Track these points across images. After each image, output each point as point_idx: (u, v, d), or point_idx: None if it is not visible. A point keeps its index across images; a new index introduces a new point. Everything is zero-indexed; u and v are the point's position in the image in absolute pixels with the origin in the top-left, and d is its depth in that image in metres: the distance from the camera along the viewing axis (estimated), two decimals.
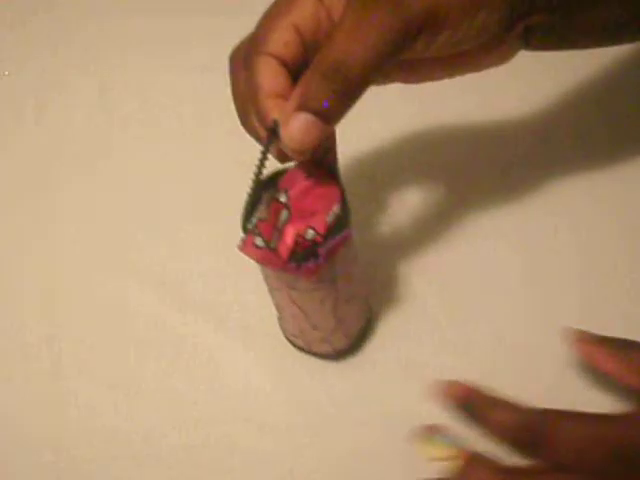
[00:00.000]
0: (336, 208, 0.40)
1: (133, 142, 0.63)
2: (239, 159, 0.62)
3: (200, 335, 0.52)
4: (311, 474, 0.47)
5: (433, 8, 0.34)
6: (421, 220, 0.55)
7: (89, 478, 0.47)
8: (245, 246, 0.40)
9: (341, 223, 0.40)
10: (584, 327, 0.46)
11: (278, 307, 0.47)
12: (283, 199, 0.40)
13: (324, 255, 0.40)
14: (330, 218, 0.40)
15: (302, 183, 0.40)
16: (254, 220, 0.41)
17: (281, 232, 0.40)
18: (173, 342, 0.52)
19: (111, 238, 0.57)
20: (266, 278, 0.45)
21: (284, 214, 0.40)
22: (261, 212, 0.41)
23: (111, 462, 0.48)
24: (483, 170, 0.57)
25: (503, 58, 0.41)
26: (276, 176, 0.42)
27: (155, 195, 0.60)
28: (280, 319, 0.50)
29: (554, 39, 0.40)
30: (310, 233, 0.40)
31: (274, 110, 0.37)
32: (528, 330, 0.51)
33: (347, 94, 0.34)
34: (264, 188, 0.42)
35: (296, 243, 0.40)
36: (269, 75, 0.37)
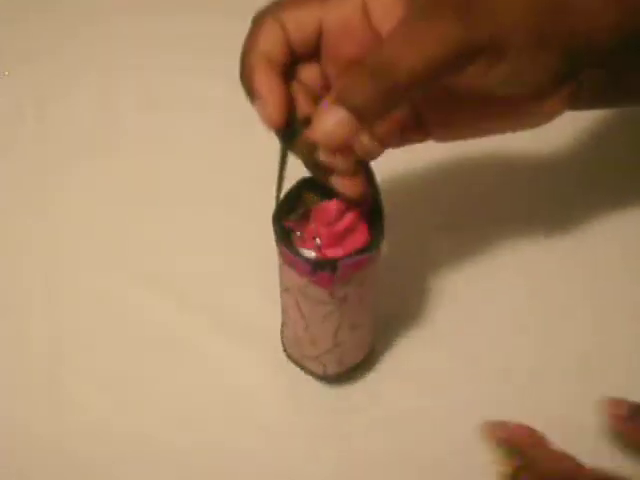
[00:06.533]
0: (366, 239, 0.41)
1: (134, 142, 0.63)
2: (239, 158, 0.63)
3: (200, 336, 0.52)
4: (311, 475, 0.47)
5: (499, 32, 0.33)
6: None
7: (89, 478, 0.47)
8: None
9: (370, 245, 0.41)
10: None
11: (284, 309, 0.47)
12: (313, 226, 0.41)
13: (343, 269, 0.40)
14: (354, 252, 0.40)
15: (333, 215, 0.41)
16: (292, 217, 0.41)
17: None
18: (173, 343, 0.52)
19: (112, 239, 0.57)
20: (280, 274, 0.44)
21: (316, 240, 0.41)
22: (295, 221, 0.42)
23: (110, 462, 0.47)
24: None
25: (547, 117, 0.39)
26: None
27: (155, 195, 0.60)
28: (283, 325, 0.49)
29: (600, 98, 0.40)
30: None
31: (259, 70, 0.36)
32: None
33: (388, 97, 0.33)
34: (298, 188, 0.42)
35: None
36: (270, 39, 0.37)
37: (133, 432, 0.48)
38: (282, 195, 0.41)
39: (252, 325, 0.52)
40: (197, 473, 0.47)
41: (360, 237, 0.41)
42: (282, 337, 0.49)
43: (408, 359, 0.50)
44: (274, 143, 0.54)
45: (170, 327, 0.52)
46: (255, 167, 0.58)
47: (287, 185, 0.41)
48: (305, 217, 0.42)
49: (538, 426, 0.46)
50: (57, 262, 0.56)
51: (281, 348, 0.50)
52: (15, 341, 0.53)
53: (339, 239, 0.41)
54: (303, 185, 0.42)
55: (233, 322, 0.52)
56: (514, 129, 0.40)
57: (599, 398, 0.45)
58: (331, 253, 0.41)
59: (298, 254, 0.40)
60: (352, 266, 0.40)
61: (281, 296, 0.46)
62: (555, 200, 0.57)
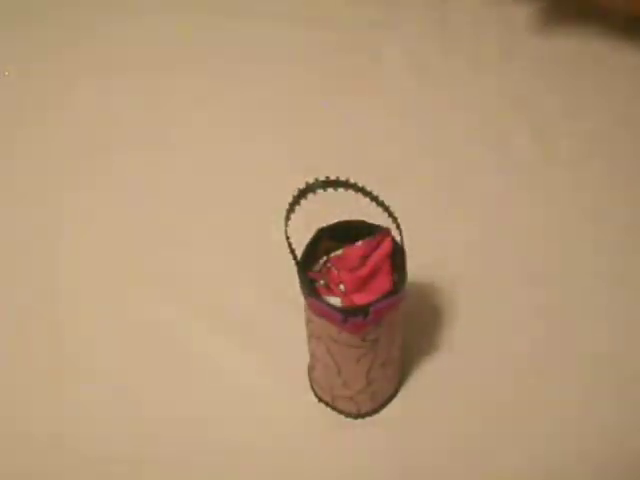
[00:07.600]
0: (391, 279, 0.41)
1: (134, 142, 0.63)
2: (241, 161, 0.62)
3: (200, 336, 0.52)
4: (311, 474, 0.47)
5: None
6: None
7: (89, 478, 0.47)
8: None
9: (396, 287, 0.41)
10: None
11: (313, 354, 0.46)
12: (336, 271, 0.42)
13: (374, 314, 0.40)
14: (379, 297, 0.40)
15: (354, 262, 0.41)
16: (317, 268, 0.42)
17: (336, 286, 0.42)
18: (173, 343, 0.52)
19: (113, 241, 0.57)
20: (308, 323, 0.44)
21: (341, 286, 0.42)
22: (318, 271, 0.42)
23: (112, 462, 0.47)
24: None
25: None
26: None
27: (157, 198, 0.60)
28: (311, 369, 0.48)
29: None
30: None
31: None
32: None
33: None
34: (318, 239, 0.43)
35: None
36: None
37: (133, 432, 0.48)
38: (295, 250, 0.41)
39: (252, 325, 0.52)
40: (198, 472, 0.47)
41: (383, 279, 0.41)
42: (311, 380, 0.49)
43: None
44: (274, 145, 0.54)
45: (170, 327, 0.52)
46: (256, 169, 0.59)
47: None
48: (327, 265, 0.43)
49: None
50: (57, 262, 0.56)
51: (281, 349, 0.50)
52: (15, 341, 0.53)
53: (363, 283, 0.41)
54: (321, 235, 0.42)
55: (233, 322, 0.52)
56: None
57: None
58: (357, 298, 0.41)
59: (328, 304, 0.41)
60: (383, 309, 0.40)
61: (309, 343, 0.46)
62: None
